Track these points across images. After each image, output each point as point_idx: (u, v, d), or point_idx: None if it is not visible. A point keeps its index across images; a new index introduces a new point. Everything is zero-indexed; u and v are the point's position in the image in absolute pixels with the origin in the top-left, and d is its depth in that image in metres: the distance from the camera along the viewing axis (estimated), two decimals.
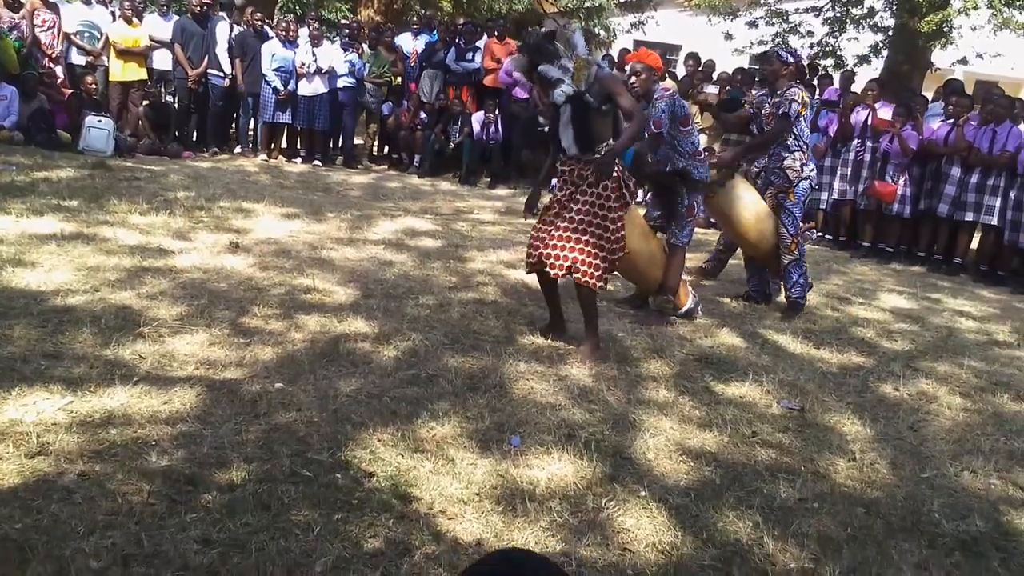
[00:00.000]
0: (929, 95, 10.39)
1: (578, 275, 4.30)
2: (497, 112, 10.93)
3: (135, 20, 10.29)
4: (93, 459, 2.88)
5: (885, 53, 12.98)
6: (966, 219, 8.31)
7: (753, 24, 14.20)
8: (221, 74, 10.60)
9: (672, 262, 5.22)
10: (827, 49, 13.83)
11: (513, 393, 3.89)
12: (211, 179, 8.62)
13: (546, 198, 4.90)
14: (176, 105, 11.01)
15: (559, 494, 3.02)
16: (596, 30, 17.06)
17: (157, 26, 10.56)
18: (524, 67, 4.33)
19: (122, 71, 10.25)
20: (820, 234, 9.56)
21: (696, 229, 5.75)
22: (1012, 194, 7.94)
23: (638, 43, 16.82)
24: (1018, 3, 10.88)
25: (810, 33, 14.01)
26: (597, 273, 4.30)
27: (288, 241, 6.29)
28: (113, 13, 10.52)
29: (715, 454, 3.49)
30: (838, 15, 13.74)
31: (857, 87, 10.25)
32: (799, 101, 5.50)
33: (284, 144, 11.44)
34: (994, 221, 8.11)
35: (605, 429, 3.60)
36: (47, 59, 9.95)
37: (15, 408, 3.15)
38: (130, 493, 2.70)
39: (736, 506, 3.08)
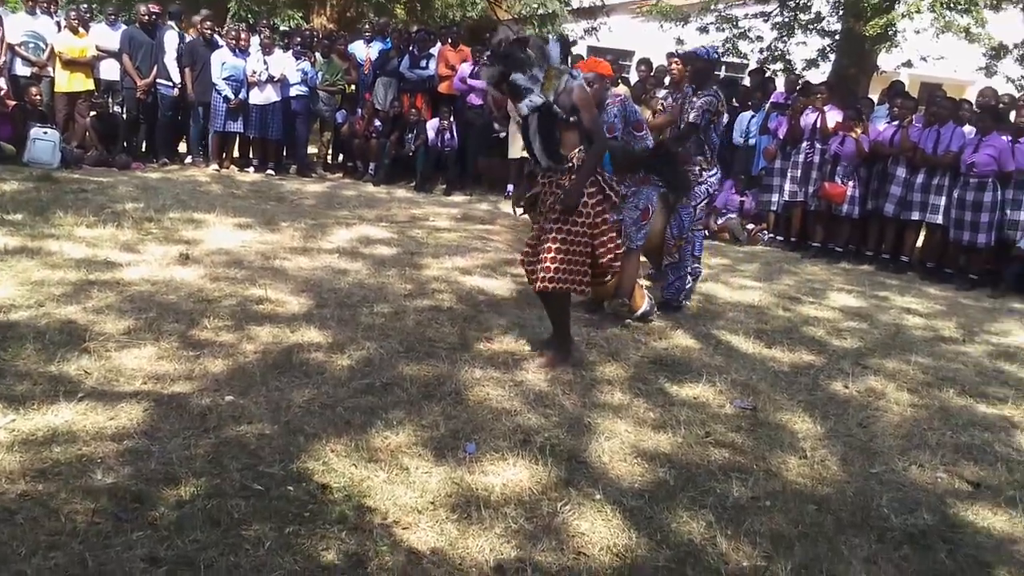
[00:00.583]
0: (875, 97, 10.62)
1: (557, 285, 4.21)
2: (452, 119, 10.92)
3: (81, 30, 10.10)
4: (36, 478, 2.81)
5: (832, 57, 13.21)
6: (912, 218, 8.50)
7: (704, 30, 14.35)
8: (170, 84, 10.44)
9: (626, 265, 5.24)
10: (776, 54, 14.04)
11: (468, 400, 3.88)
12: (161, 190, 8.47)
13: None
14: (124, 116, 10.82)
15: (514, 500, 3.02)
16: (549, 36, 17.14)
17: (104, 36, 10.38)
18: (494, 77, 4.25)
19: (68, 82, 10.06)
20: (771, 235, 9.70)
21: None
22: (956, 193, 8.12)
23: (591, 49, 16.92)
24: (959, 7, 11.15)
25: (759, 38, 14.19)
26: (578, 279, 4.24)
27: (240, 251, 6.21)
28: (58, 23, 10.31)
29: (669, 455, 3.51)
30: (786, 20, 13.95)
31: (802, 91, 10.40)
32: (711, 110, 5.52)
33: (236, 153, 11.29)
34: (939, 220, 8.29)
35: (560, 433, 3.60)
36: None
37: None
38: (74, 512, 2.64)
39: (690, 506, 3.10)
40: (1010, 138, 7.90)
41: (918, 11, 10.84)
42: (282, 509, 2.78)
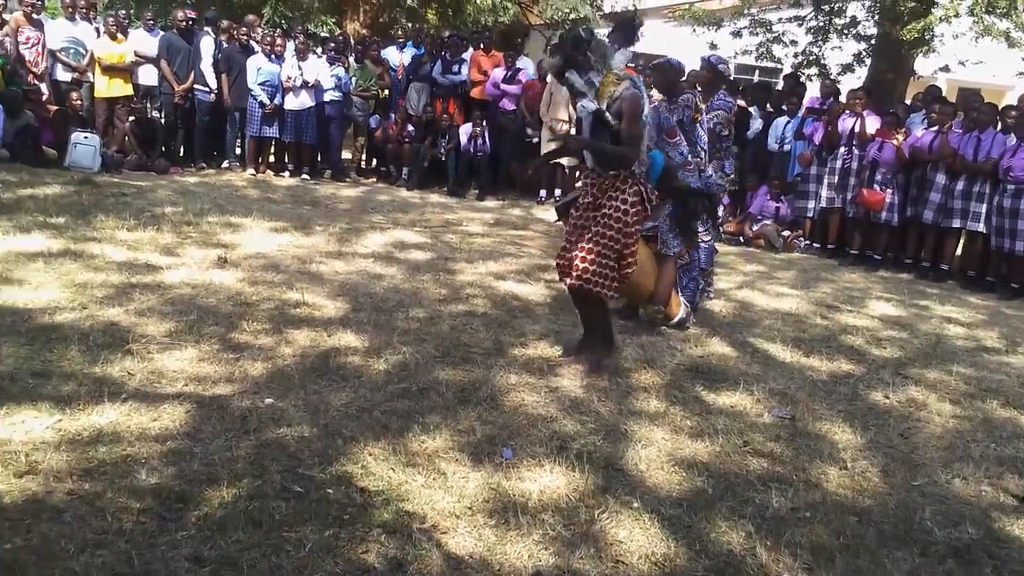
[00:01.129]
0: (908, 102, 10.48)
1: (588, 285, 4.24)
2: (484, 124, 10.96)
3: (120, 36, 10.27)
4: (83, 478, 2.85)
5: (868, 62, 13.07)
6: (953, 226, 8.38)
7: (737, 34, 14.28)
8: (207, 89, 10.58)
9: (663, 272, 5.22)
10: (811, 59, 13.92)
11: (504, 405, 3.88)
12: (199, 194, 8.59)
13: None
14: (163, 121, 10.98)
15: (551, 506, 3.02)
16: None
17: (143, 42, 10.54)
18: (555, 67, 4.27)
19: (108, 87, 10.23)
20: (808, 242, 9.61)
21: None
22: (997, 200, 8.00)
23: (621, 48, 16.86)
24: (999, 10, 10.98)
25: (794, 43, 14.09)
26: (606, 283, 4.25)
27: (277, 255, 6.27)
28: (98, 29, 10.50)
29: (707, 464, 3.49)
30: (821, 24, 13.83)
31: (841, 96, 10.31)
32: (692, 107, 5.48)
33: (272, 158, 11.41)
34: (980, 227, 8.17)
35: (597, 440, 3.59)
36: (32, 76, 9.89)
37: (3, 427, 3.13)
38: (120, 511, 2.68)
39: (728, 516, 3.08)
40: None
41: (956, 15, 10.71)
42: (322, 511, 2.80)
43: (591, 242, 4.23)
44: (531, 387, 4.14)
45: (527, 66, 11.45)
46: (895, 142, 8.49)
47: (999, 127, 8.28)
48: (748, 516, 3.08)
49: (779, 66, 14.78)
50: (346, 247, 6.85)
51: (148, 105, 10.79)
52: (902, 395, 4.60)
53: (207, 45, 10.59)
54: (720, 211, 5.92)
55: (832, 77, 12.78)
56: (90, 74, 10.24)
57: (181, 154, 10.99)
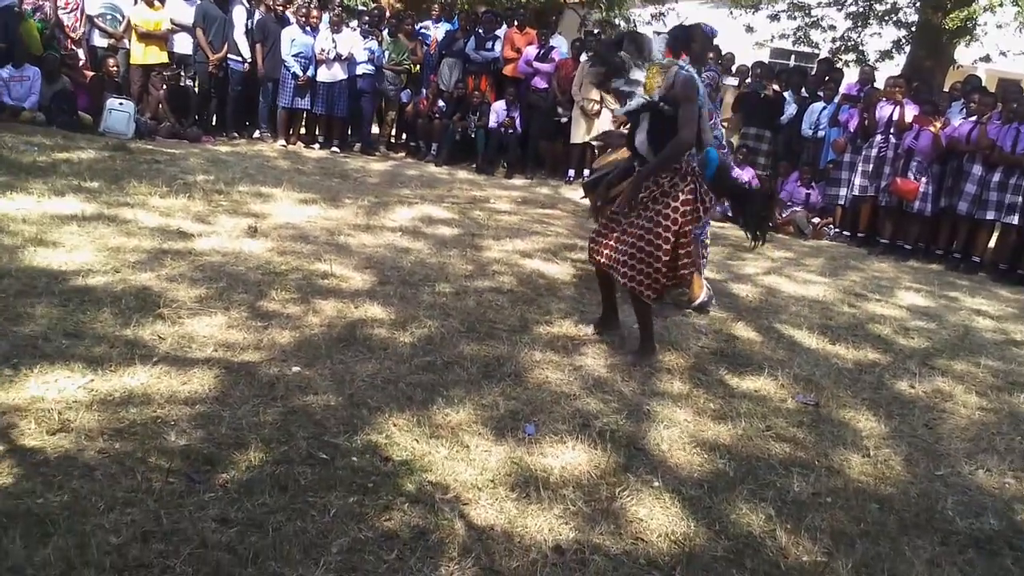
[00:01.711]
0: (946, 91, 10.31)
1: (632, 284, 4.16)
2: (518, 106, 10.92)
3: (156, 3, 10.30)
4: (113, 437, 2.91)
5: (907, 49, 12.86)
6: (987, 218, 8.26)
7: (775, 17, 14.11)
8: (240, 59, 10.61)
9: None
10: (849, 44, 13.72)
11: (528, 382, 3.90)
12: (230, 163, 8.66)
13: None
14: (196, 89, 11.04)
15: (573, 482, 3.04)
16: (616, 20, 16.97)
17: (179, 10, 10.57)
18: (600, 79, 4.20)
19: (143, 54, 10.28)
20: (837, 230, 9.52)
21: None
22: None
23: (658, 35, 16.73)
24: None
25: (832, 27, 13.90)
26: (648, 282, 4.13)
27: (306, 226, 6.32)
28: None
29: (729, 447, 3.49)
30: (861, 10, 13.62)
31: (879, 83, 10.16)
32: (714, 85, 5.40)
33: (303, 130, 11.46)
34: (1015, 220, 8.05)
35: (619, 419, 3.61)
36: (69, 41, 10.00)
37: (37, 385, 3.19)
38: (149, 471, 2.73)
39: (749, 499, 3.08)
40: None
41: (1000, 4, 10.51)
42: (347, 479, 2.84)
43: (642, 240, 4.11)
44: (555, 364, 4.16)
45: (560, 44, 11.39)
46: (933, 129, 8.36)
47: None
48: (769, 499, 3.09)
49: (816, 51, 14.59)
50: (374, 220, 6.88)
51: (183, 73, 10.85)
52: (928, 385, 4.56)
53: (239, 14, 10.60)
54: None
55: (870, 63, 12.59)
56: (126, 41, 10.30)
57: (213, 123, 11.06)
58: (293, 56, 10.54)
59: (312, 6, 11.21)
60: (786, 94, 10.28)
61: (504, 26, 11.54)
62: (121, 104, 9.43)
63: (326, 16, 10.99)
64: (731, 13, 14.11)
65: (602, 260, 4.29)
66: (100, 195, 6.28)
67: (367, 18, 11.45)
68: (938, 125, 8.36)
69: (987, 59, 13.02)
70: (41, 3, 9.66)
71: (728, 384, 4.21)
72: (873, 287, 6.94)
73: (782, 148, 10.28)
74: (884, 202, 8.91)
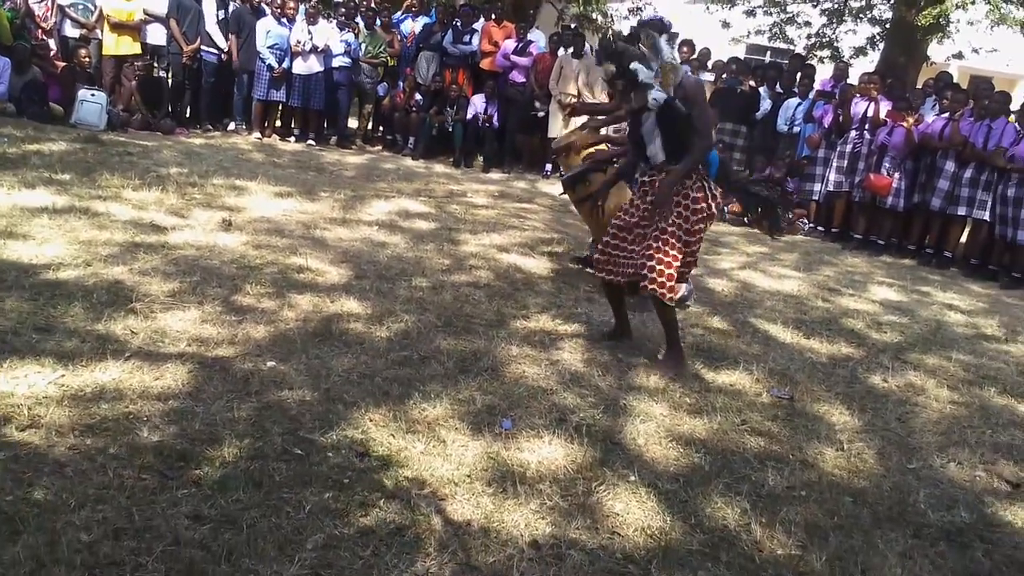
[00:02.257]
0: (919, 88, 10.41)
1: (654, 286, 4.03)
2: (495, 101, 10.90)
3: None
4: (84, 433, 2.87)
5: (882, 46, 12.98)
6: (959, 213, 8.36)
7: (751, 13, 14.19)
8: (213, 50, 10.49)
9: None
10: (824, 40, 13.83)
11: (505, 376, 3.90)
12: (204, 156, 8.57)
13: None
14: (170, 81, 10.90)
15: (549, 477, 3.04)
16: (593, 15, 16.97)
17: (152, 0, 10.44)
18: (610, 73, 4.03)
19: (116, 45, 10.12)
20: (812, 225, 9.59)
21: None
22: (1001, 189, 7.99)
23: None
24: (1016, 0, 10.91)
25: (807, 24, 14.00)
26: (668, 284, 4.05)
27: (281, 220, 6.27)
28: None
29: (704, 441, 3.51)
30: (836, 6, 13.73)
31: (853, 79, 10.24)
32: None
33: (278, 122, 11.36)
34: (986, 216, 8.16)
35: (596, 414, 3.61)
36: (40, 31, 9.83)
37: (6, 381, 3.14)
38: (121, 468, 2.69)
39: (725, 492, 3.10)
40: None
41: (972, 2, 10.64)
42: (322, 474, 2.82)
43: (657, 242, 4.04)
44: (532, 359, 4.15)
45: (538, 38, 11.37)
46: (906, 125, 8.44)
47: (1012, 117, 8.24)
48: (744, 493, 3.10)
49: (791, 47, 14.69)
50: (350, 214, 6.84)
51: (156, 65, 10.72)
52: (900, 379, 4.61)
53: (210, 4, 10.45)
54: None
55: (844, 60, 12.70)
56: (98, 31, 10.14)
57: (188, 115, 10.93)
58: (268, 48, 10.44)
59: None
60: (761, 90, 10.34)
61: (481, 20, 11.50)
62: (93, 95, 9.29)
63: (302, 8, 10.89)
64: (707, 8, 14.20)
65: (623, 280, 4.18)
66: (71, 187, 6.19)
67: (343, 10, 11.37)
68: (911, 121, 8.44)
69: (960, 56, 13.18)
70: None
71: (704, 378, 4.23)
72: (847, 282, 7.01)
73: (757, 143, 10.34)
74: (858, 197, 9.00)
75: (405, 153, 11.26)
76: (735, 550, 2.75)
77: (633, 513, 2.88)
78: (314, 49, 10.56)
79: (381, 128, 12.17)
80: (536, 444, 3.27)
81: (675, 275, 4.08)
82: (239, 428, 3.05)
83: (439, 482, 2.89)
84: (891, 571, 2.75)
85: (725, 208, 9.05)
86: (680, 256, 4.07)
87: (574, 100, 10.23)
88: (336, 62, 10.83)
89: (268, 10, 10.79)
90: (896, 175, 8.60)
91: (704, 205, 4.06)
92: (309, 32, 10.54)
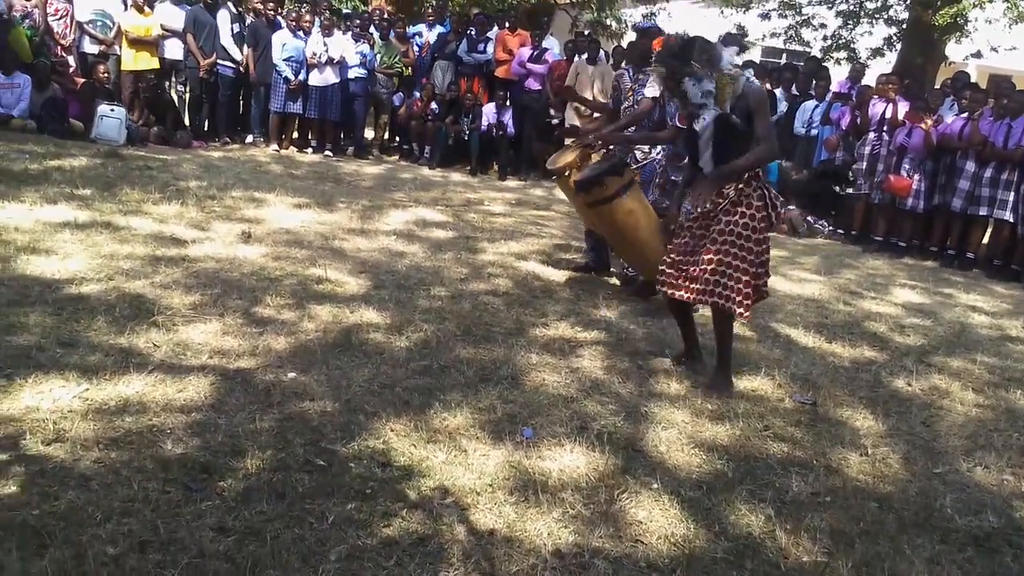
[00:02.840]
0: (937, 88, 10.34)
1: (720, 300, 3.93)
2: (508, 104, 10.92)
3: (147, 9, 10.28)
4: (109, 446, 2.89)
5: (898, 46, 12.90)
6: (980, 214, 8.28)
7: (766, 16, 14.15)
8: (229, 64, 10.58)
9: None
10: (840, 42, 13.77)
11: (525, 385, 3.89)
12: (223, 169, 8.64)
13: None
14: (188, 95, 11.01)
15: (571, 485, 3.03)
16: (607, 21, 16.98)
17: (169, 15, 10.55)
18: (664, 81, 3.99)
19: (134, 60, 10.25)
20: (832, 228, 9.53)
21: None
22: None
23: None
24: None
25: (823, 26, 13.94)
26: (739, 298, 3.90)
27: (300, 231, 6.30)
28: (125, 2, 10.51)
29: (727, 447, 3.49)
30: (852, 8, 13.66)
31: (869, 81, 10.18)
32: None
33: (295, 134, 11.44)
34: (1008, 216, 8.07)
35: (617, 421, 3.60)
36: (59, 48, 9.97)
37: (31, 395, 3.17)
38: (146, 480, 2.71)
39: (748, 499, 3.08)
40: None
41: (990, 1, 10.55)
42: (344, 485, 2.83)
43: (720, 254, 3.92)
44: (552, 367, 4.15)
45: (553, 46, 11.39)
46: (924, 126, 8.38)
47: None
48: (768, 500, 3.08)
49: (807, 49, 14.64)
50: (368, 224, 6.87)
51: (174, 79, 10.82)
52: (925, 383, 4.57)
53: (224, 18, 10.56)
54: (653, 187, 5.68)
55: (861, 61, 12.64)
56: (117, 47, 10.27)
57: (205, 129, 11.02)
58: (284, 60, 10.52)
59: (304, 11, 11.18)
60: (777, 92, 10.29)
61: (496, 28, 11.54)
62: (112, 110, 9.40)
63: (317, 20, 10.97)
64: (722, 12, 14.18)
65: (687, 296, 4.06)
66: (93, 202, 6.26)
67: (358, 22, 11.44)
68: (929, 123, 8.38)
69: (978, 55, 13.07)
70: (31, 10, 9.63)
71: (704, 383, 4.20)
72: (868, 285, 6.95)
73: None
74: (877, 200, 8.92)
75: (421, 163, 11.30)
76: (760, 558, 2.73)
77: (656, 521, 2.86)
78: (330, 61, 10.63)
79: (397, 138, 12.21)
80: (558, 452, 3.26)
81: (750, 290, 3.94)
82: (261, 440, 3.07)
83: (461, 491, 2.89)
84: None
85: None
86: (746, 267, 3.92)
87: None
88: (352, 73, 10.90)
89: (284, 23, 10.88)
90: (916, 176, 8.53)
91: (765, 215, 3.96)
92: (325, 44, 10.61)
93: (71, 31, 10.03)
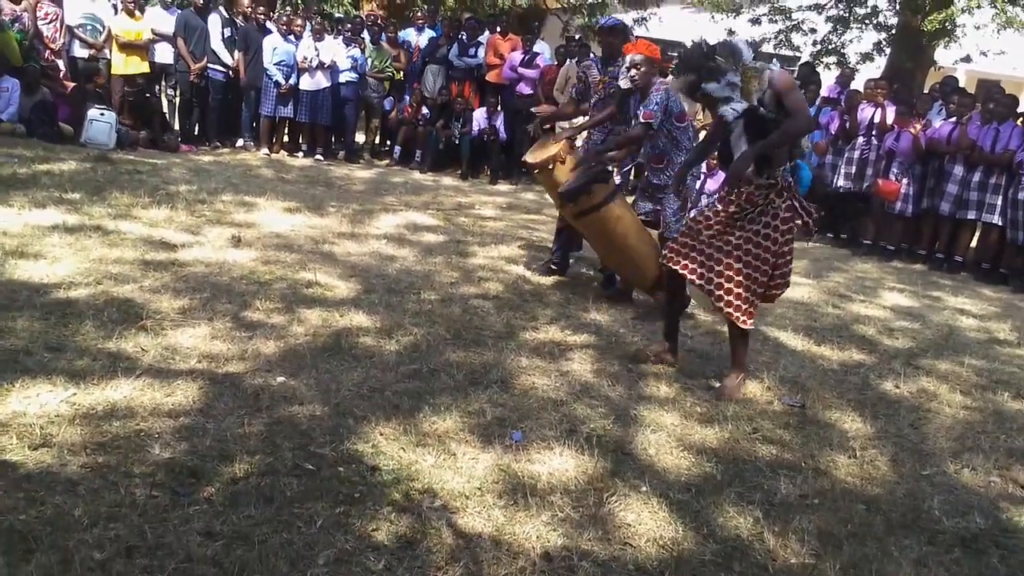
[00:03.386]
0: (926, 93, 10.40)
1: (729, 309, 3.97)
2: (500, 109, 10.93)
3: (137, 13, 10.27)
4: (96, 451, 2.88)
5: (888, 51, 12.97)
6: (968, 217, 8.33)
7: (756, 21, 14.19)
8: (220, 68, 10.57)
9: None
10: (830, 47, 13.82)
11: (515, 388, 3.89)
12: (213, 173, 8.62)
13: None
14: (178, 99, 10.99)
15: (560, 488, 3.03)
16: (598, 26, 17.02)
17: (160, 19, 10.53)
18: (686, 87, 3.96)
19: (124, 64, 10.22)
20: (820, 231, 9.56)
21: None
22: (1012, 192, 7.95)
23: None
24: (1021, 2, 10.88)
25: (813, 31, 13.99)
26: (747, 307, 3.96)
27: (290, 235, 6.29)
28: (115, 6, 10.49)
29: (716, 450, 3.50)
30: (841, 13, 13.72)
31: (857, 85, 10.23)
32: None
33: (286, 138, 11.43)
34: (996, 220, 8.13)
35: (606, 424, 3.61)
36: (49, 52, 9.93)
37: (18, 400, 3.16)
38: (133, 485, 2.70)
39: (737, 502, 3.08)
40: None
41: (978, 6, 10.63)
42: (333, 489, 2.82)
43: (733, 260, 3.93)
44: (542, 370, 4.15)
45: (544, 50, 11.41)
46: (912, 131, 8.43)
47: (1019, 120, 8.22)
48: (756, 502, 3.09)
49: (797, 54, 14.69)
50: (359, 228, 6.87)
51: (164, 83, 10.80)
52: (913, 385, 4.59)
53: (215, 22, 10.56)
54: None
55: (851, 66, 12.69)
56: (107, 51, 10.24)
57: (196, 132, 11.00)
58: (275, 64, 10.52)
59: (295, 15, 11.19)
60: None
61: (487, 32, 11.56)
62: (102, 115, 9.37)
63: (308, 24, 10.98)
64: (712, 17, 14.20)
65: (686, 273, 4.04)
66: (82, 206, 6.23)
67: (349, 26, 11.44)
68: (917, 128, 8.43)
69: (967, 60, 13.13)
70: (20, 14, 9.60)
71: (714, 387, 4.22)
72: (857, 288, 6.99)
73: None
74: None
75: (413, 167, 11.29)
76: (748, 560, 2.73)
77: (645, 524, 2.87)
78: (321, 65, 10.63)
79: (388, 142, 12.21)
80: (547, 456, 3.26)
81: (746, 296, 3.95)
82: (250, 444, 3.06)
83: (450, 495, 2.89)
84: None
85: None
86: (758, 276, 3.94)
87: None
88: (343, 77, 10.90)
89: (274, 27, 10.88)
90: (905, 180, 8.58)
91: (792, 224, 3.95)
92: (315, 48, 10.61)
93: (61, 35, 9.99)
